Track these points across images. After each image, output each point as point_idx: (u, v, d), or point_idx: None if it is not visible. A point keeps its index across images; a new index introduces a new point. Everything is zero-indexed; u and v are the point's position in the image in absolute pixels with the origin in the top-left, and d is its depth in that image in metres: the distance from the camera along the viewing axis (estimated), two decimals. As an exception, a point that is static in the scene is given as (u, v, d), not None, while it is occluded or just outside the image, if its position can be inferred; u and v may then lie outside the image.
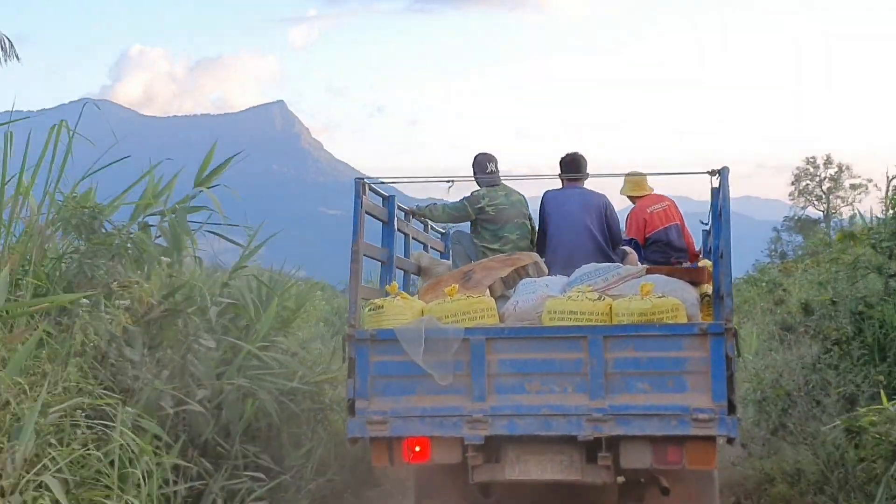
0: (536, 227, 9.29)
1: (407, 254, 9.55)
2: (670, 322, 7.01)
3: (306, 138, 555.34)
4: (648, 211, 9.85)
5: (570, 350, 7.00)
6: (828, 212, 55.33)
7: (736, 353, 6.90)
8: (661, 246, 9.69)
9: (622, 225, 9.66)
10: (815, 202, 57.93)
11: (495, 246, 9.06)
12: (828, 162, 58.85)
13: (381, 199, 8.63)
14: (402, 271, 9.27)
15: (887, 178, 19.89)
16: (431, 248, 10.38)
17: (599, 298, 7.22)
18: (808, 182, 58.81)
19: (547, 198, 9.11)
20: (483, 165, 9.35)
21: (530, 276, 8.08)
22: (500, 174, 9.43)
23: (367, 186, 7.96)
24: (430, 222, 10.26)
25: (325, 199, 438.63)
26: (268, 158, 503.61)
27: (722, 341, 6.82)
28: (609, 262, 8.36)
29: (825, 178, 58.45)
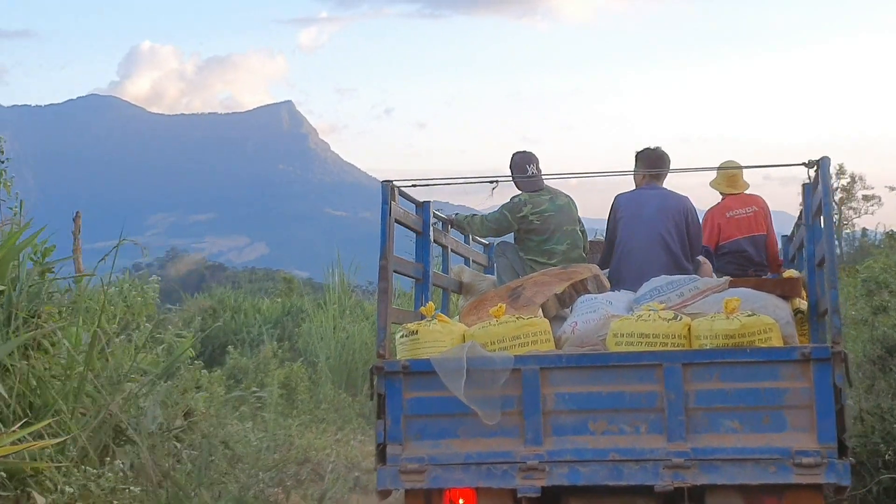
0: (596, 234, 8.17)
1: (446, 269, 8.47)
2: (763, 345, 5.89)
3: (314, 139, 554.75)
4: (727, 216, 8.83)
5: (642, 381, 5.88)
6: (839, 223, 54.77)
7: (846, 382, 5.78)
8: (735, 257, 8.66)
9: None
10: (836, 207, 57.06)
11: (542, 259, 7.91)
12: (840, 172, 58.48)
13: (413, 205, 7.54)
14: (441, 289, 8.24)
15: None
16: (473, 261, 9.19)
17: (675, 318, 6.10)
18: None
19: (620, 200, 7.78)
20: (521, 167, 8.12)
21: (589, 293, 6.97)
22: (542, 175, 8.20)
23: (396, 191, 6.88)
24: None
25: (331, 200, 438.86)
26: (275, 158, 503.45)
27: (829, 368, 5.68)
28: (685, 274, 7.25)
29: (837, 188, 58.12)
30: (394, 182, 6.80)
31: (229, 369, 15.94)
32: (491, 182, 7.71)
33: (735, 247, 8.75)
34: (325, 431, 13.17)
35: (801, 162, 6.54)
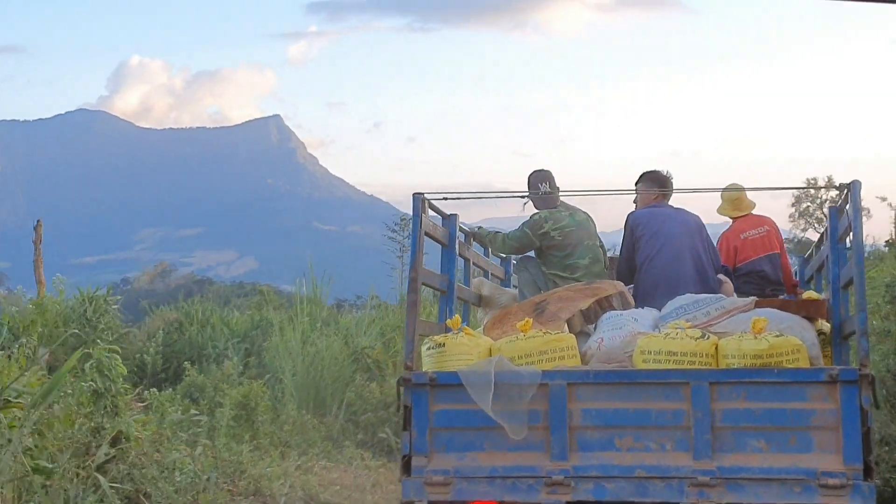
0: (605, 249, 8.24)
1: (467, 281, 8.38)
2: (791, 366, 5.88)
3: (302, 153, 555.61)
4: (742, 237, 8.82)
5: (669, 399, 5.88)
6: (825, 234, 54.29)
7: (873, 404, 5.75)
8: (753, 278, 8.62)
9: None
10: (816, 224, 57.31)
11: (565, 274, 7.89)
12: (830, 183, 58.26)
13: (440, 217, 7.56)
14: (462, 301, 8.13)
15: None
16: (492, 274, 9.15)
17: (703, 336, 6.10)
18: (809, 204, 58.34)
19: (637, 218, 7.83)
20: (535, 186, 8.17)
21: (614, 309, 6.93)
22: (558, 192, 8.23)
23: (426, 203, 6.90)
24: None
25: (320, 215, 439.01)
26: (263, 172, 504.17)
27: (856, 391, 5.69)
28: (713, 291, 7.22)
29: (826, 199, 58.00)
30: (425, 194, 6.86)
31: (185, 387, 15.16)
32: (518, 196, 8.07)
33: (752, 267, 8.75)
34: (286, 457, 12.61)
35: (830, 185, 6.44)
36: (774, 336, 5.96)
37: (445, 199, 7.27)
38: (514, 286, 9.21)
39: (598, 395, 5.95)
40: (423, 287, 7.01)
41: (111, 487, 8.17)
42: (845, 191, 6.60)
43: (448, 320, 6.76)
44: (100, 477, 8.17)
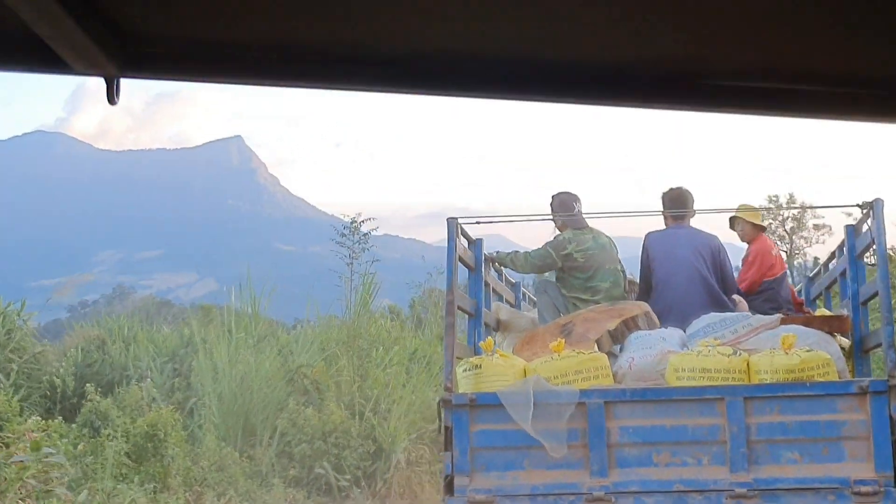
0: (627, 273, 8.37)
1: (486, 305, 8.44)
2: (821, 380, 6.07)
3: (262, 173, 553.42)
4: (773, 253, 8.80)
5: (704, 414, 6.07)
6: (791, 252, 55.09)
7: None
8: (772, 294, 8.62)
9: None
10: (778, 242, 57.39)
11: (586, 296, 7.97)
12: (791, 201, 58.69)
13: (466, 241, 7.62)
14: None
15: None
16: (505, 299, 9.22)
17: (735, 353, 6.28)
18: (771, 221, 58.48)
19: (651, 239, 7.99)
20: (569, 205, 8.23)
21: (640, 329, 7.06)
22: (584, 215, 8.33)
23: (460, 228, 7.03)
24: (503, 270, 9.11)
25: (281, 235, 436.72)
26: (223, 193, 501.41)
27: (885, 401, 5.91)
28: (725, 311, 7.40)
29: (788, 217, 58.35)
30: (458, 219, 6.98)
31: (85, 415, 13.22)
32: (547, 218, 8.08)
33: (776, 284, 8.74)
34: (201, 500, 11.68)
35: (854, 204, 6.83)
36: (805, 351, 6.14)
37: (479, 222, 7.51)
38: (525, 309, 9.44)
39: (635, 412, 6.10)
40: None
41: None
42: (867, 209, 6.72)
43: (481, 343, 6.88)
44: None
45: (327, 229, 18.58)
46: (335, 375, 15.86)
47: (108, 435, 11.83)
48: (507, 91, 1.66)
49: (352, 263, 17.65)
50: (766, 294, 8.60)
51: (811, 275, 9.50)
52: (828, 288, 8.87)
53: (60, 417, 11.76)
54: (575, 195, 8.35)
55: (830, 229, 56.12)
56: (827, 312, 7.83)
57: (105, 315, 22.29)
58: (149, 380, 16.30)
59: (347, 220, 18.36)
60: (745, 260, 8.89)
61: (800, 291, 9.63)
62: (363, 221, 18.43)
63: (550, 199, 8.37)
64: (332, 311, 19.77)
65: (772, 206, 54.21)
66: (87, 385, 14.37)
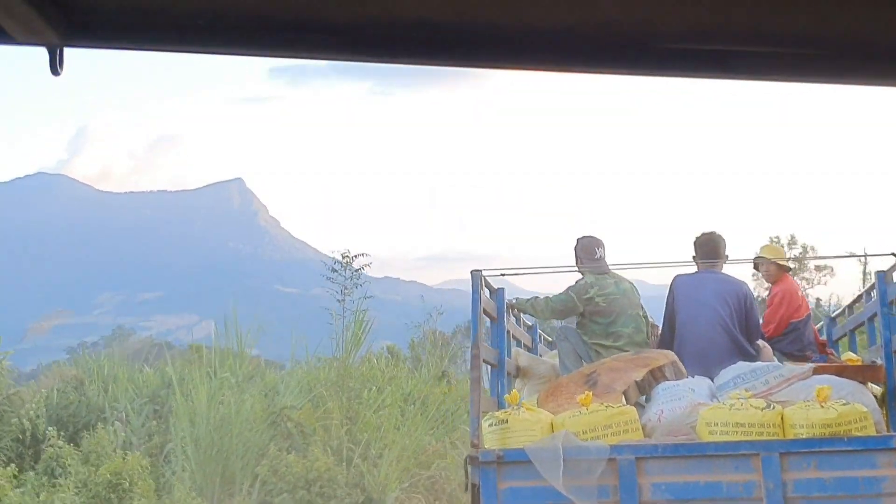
0: (650, 318, 8.23)
1: (509, 353, 8.27)
2: (858, 434, 5.87)
3: (263, 216, 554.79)
4: (799, 294, 8.70)
5: (739, 470, 5.85)
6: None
7: None
8: (797, 336, 8.54)
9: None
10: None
11: (608, 342, 7.84)
12: (792, 242, 58.49)
13: (488, 291, 7.47)
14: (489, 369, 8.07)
15: None
16: (524, 344, 9.08)
17: (768, 406, 6.10)
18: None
19: (677, 283, 7.92)
20: (591, 250, 8.16)
21: (667, 379, 6.89)
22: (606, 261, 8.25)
23: (484, 280, 6.94)
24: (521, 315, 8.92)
25: (282, 278, 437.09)
26: (224, 235, 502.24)
27: None
28: (748, 359, 7.27)
29: (789, 259, 57.99)
30: (482, 272, 6.88)
31: (45, 462, 12.59)
32: (572, 270, 8.00)
33: (802, 325, 8.65)
34: None
35: (890, 253, 6.80)
36: (842, 405, 5.97)
37: (503, 274, 7.39)
38: (540, 354, 9.32)
39: (668, 468, 5.91)
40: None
41: None
42: None
43: (506, 396, 6.74)
44: None
45: (327, 273, 17.57)
46: (322, 418, 14.83)
47: (61, 486, 10.86)
48: (454, 58, 1.61)
49: (343, 300, 16.69)
50: (792, 336, 8.51)
51: (833, 315, 9.35)
52: (852, 330, 8.75)
53: (33, 463, 10.94)
54: (598, 240, 8.28)
55: (832, 270, 56.35)
56: (853, 356, 7.68)
57: (85, 355, 21.20)
58: (117, 423, 15.27)
59: (338, 256, 17.41)
60: (770, 301, 8.78)
61: (820, 330, 9.50)
62: (356, 256, 17.38)
63: (574, 244, 8.32)
64: (327, 350, 18.62)
65: (800, 249, 54.45)
66: (50, 429, 13.79)
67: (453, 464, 14.20)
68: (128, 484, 10.99)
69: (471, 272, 6.82)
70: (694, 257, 8.10)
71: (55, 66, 1.55)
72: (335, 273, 16.82)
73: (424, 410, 16.06)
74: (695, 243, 8.16)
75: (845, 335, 9.02)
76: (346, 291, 16.72)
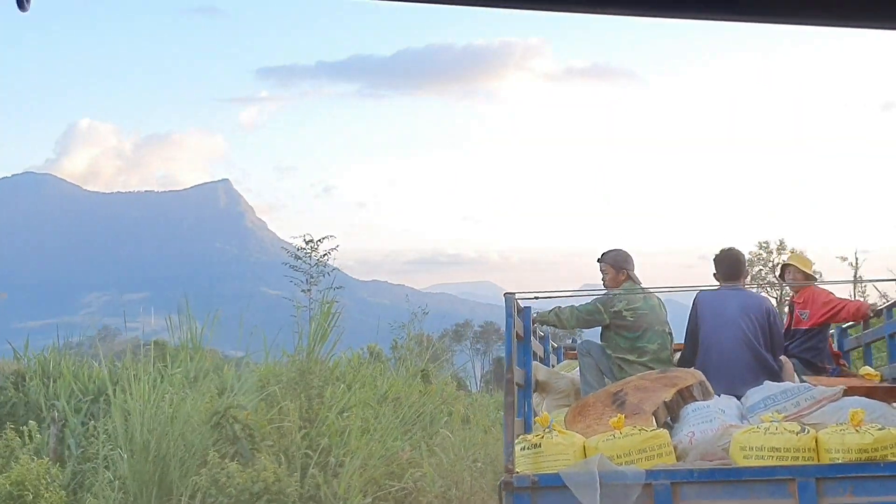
0: (673, 332, 8.21)
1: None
2: (894, 459, 5.79)
3: (250, 217, 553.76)
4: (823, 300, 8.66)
5: (775, 496, 5.79)
6: (781, 298, 53.72)
7: None
8: (819, 342, 8.62)
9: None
10: (769, 289, 56.24)
11: (632, 357, 7.80)
12: (781, 247, 57.81)
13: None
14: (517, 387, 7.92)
15: None
16: (539, 357, 8.85)
17: (803, 430, 6.03)
18: (762, 268, 57.32)
19: (701, 299, 7.86)
20: (620, 266, 8.17)
21: (695, 399, 6.83)
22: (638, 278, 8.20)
23: (517, 302, 6.90)
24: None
25: (267, 279, 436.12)
26: (211, 237, 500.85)
27: None
28: (772, 375, 7.30)
29: (779, 263, 57.28)
30: (515, 294, 6.84)
31: None
32: (604, 293, 7.93)
33: (824, 330, 8.71)
34: None
35: None
36: (877, 429, 5.92)
37: (537, 298, 7.32)
38: (552, 365, 9.26)
39: (703, 493, 5.85)
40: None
41: None
42: None
43: (537, 418, 6.68)
44: None
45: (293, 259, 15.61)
46: (276, 420, 12.92)
47: None
48: None
49: (309, 290, 14.88)
50: (815, 340, 8.57)
51: (845, 327, 9.38)
52: (868, 344, 8.77)
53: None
54: (627, 253, 8.23)
55: (821, 275, 55.96)
56: (871, 371, 7.70)
57: (28, 348, 18.61)
58: (32, 423, 13.20)
59: (302, 241, 15.18)
60: (795, 301, 8.85)
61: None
62: (320, 241, 15.27)
63: (600, 256, 8.30)
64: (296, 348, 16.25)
65: (789, 254, 54.11)
66: None
67: (430, 474, 12.95)
68: (31, 497, 9.33)
69: (504, 295, 6.76)
70: (715, 275, 8.07)
71: (22, 1, 1.46)
72: (299, 261, 14.98)
73: (399, 412, 14.60)
74: (714, 260, 8.10)
75: (859, 346, 9.03)
76: (311, 281, 14.90)
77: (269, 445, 12.13)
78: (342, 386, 14.36)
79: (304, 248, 14.97)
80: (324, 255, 14.96)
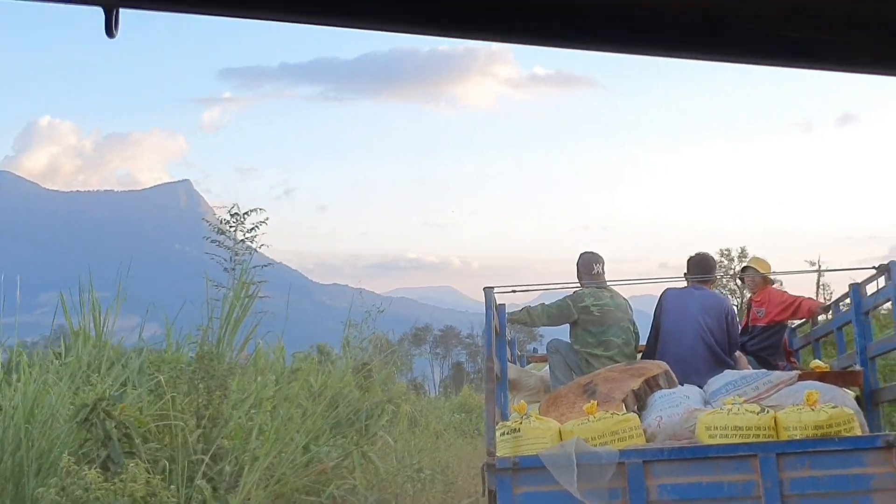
0: (639, 331, 8.67)
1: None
2: (847, 435, 6.27)
3: (211, 218, 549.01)
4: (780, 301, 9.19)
5: (738, 471, 6.21)
6: (741, 306, 53.96)
7: None
8: (777, 340, 9.16)
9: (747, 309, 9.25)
10: (730, 296, 56.70)
11: (599, 351, 8.25)
12: (742, 255, 58.08)
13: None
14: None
15: None
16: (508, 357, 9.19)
17: (763, 411, 6.48)
18: (721, 276, 57.09)
19: (666, 295, 8.45)
20: (589, 266, 8.62)
21: (661, 388, 7.29)
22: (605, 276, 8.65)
23: (494, 297, 7.32)
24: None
25: (228, 281, 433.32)
26: (171, 237, 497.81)
27: None
28: (726, 368, 7.78)
29: (734, 270, 57.92)
30: (494, 288, 7.27)
31: None
32: (575, 286, 8.43)
33: (780, 329, 9.19)
34: None
35: (870, 267, 7.34)
36: (830, 407, 6.37)
37: (514, 291, 7.77)
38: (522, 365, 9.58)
39: (673, 470, 6.24)
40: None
41: None
42: (885, 272, 7.15)
43: (514, 406, 7.07)
44: None
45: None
46: (164, 417, 10.44)
47: None
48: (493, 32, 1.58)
49: (234, 269, 13.20)
50: (773, 339, 9.08)
51: (794, 326, 9.95)
52: (817, 339, 9.42)
53: None
54: (598, 255, 8.68)
55: (781, 284, 56.53)
56: (820, 363, 8.10)
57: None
58: None
59: (227, 213, 13.63)
60: (753, 300, 9.33)
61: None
62: (247, 214, 13.67)
63: (577, 258, 8.75)
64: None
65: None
66: None
67: (363, 483, 11.67)
68: None
69: (483, 289, 7.20)
70: (685, 274, 8.61)
71: (110, 27, 1.49)
72: (222, 235, 13.39)
73: (330, 411, 12.61)
74: (688, 261, 8.65)
75: (808, 344, 9.67)
76: (236, 259, 13.24)
77: (155, 448, 10.01)
78: (258, 379, 12.39)
79: (229, 222, 13.43)
80: (250, 229, 13.51)
